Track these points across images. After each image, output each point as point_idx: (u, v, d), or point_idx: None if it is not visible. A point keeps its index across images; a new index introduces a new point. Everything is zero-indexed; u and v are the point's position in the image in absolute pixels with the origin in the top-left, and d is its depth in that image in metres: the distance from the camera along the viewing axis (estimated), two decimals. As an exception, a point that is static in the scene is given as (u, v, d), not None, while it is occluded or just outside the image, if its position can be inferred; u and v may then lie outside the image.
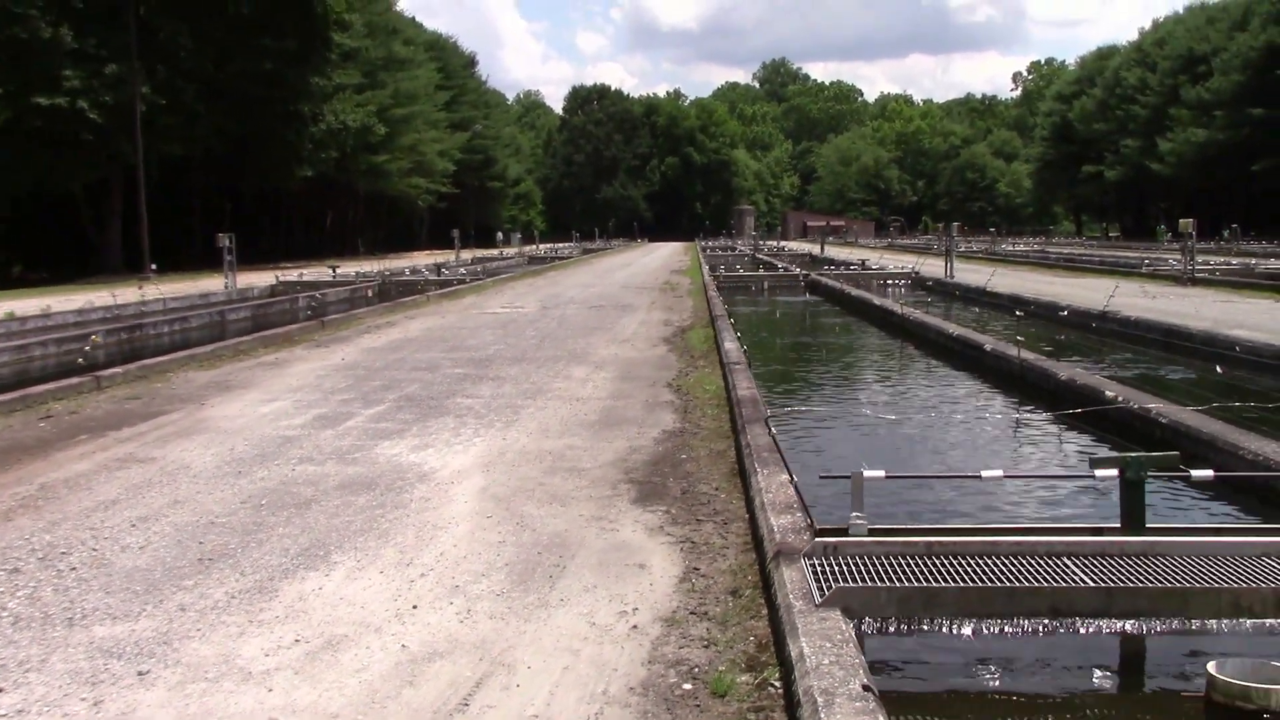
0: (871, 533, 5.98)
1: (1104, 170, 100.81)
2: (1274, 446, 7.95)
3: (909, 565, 5.31)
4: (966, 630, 4.91)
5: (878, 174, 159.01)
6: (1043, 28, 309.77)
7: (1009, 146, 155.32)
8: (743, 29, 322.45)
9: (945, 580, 5.06)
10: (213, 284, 33.86)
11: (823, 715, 3.71)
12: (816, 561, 5.38)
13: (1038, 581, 4.97)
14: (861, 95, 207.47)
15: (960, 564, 5.29)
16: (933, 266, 37.70)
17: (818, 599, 4.77)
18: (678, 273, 43.36)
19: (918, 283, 35.44)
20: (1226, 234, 67.38)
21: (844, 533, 6.04)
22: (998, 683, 4.85)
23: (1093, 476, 6.05)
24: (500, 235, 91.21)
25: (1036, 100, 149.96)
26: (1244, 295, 27.20)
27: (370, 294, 32.20)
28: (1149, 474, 5.69)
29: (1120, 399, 10.26)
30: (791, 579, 5.12)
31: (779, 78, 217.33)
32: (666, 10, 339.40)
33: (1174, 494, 8.25)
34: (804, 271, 38.09)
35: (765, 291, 35.68)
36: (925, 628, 4.94)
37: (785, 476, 7.14)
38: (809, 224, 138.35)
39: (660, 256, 67.69)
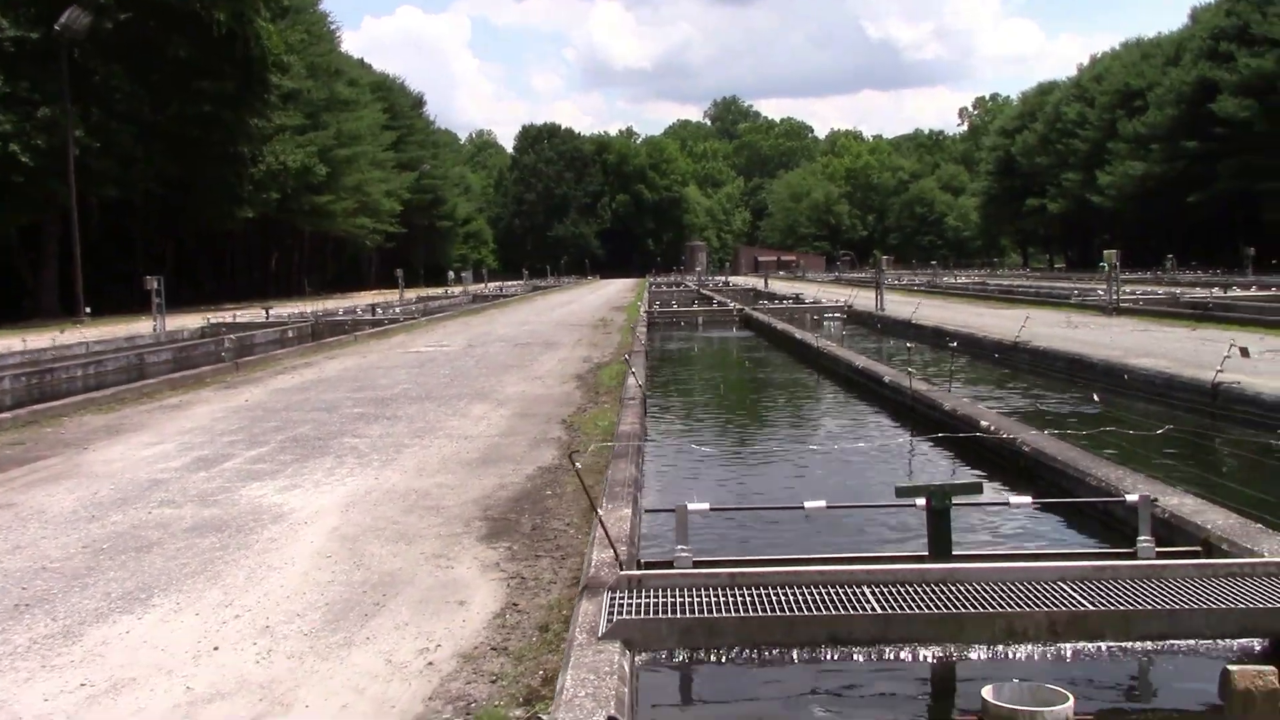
0: (697, 564, 6.01)
1: (1046, 203, 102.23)
2: (1118, 473, 8.06)
3: (711, 596, 5.32)
4: (748, 660, 4.93)
5: (828, 209, 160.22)
6: (992, 64, 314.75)
7: (956, 181, 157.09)
8: (696, 68, 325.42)
9: (743, 610, 5.08)
10: (143, 327, 33.52)
11: (561, 747, 3.72)
12: (620, 595, 5.38)
13: (826, 609, 5.00)
14: (812, 131, 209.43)
15: (761, 594, 5.32)
16: (870, 300, 38.01)
17: (601, 632, 4.78)
18: (617, 309, 43.43)
19: (852, 316, 35.70)
20: (1169, 263, 68.41)
21: (669, 565, 6.08)
22: (772, 713, 4.87)
23: (913, 505, 6.11)
24: (451, 274, 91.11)
25: (982, 135, 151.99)
26: (1162, 324, 27.60)
27: (295, 335, 32.01)
28: (953, 502, 5.75)
29: (992, 428, 10.38)
30: (587, 613, 5.13)
31: (730, 115, 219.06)
32: (620, 50, 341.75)
33: (1023, 518, 8.36)
34: (739, 307, 38.28)
35: (700, 327, 35.82)
36: (711, 659, 4.96)
37: (629, 511, 7.16)
38: (760, 259, 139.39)
39: (606, 293, 67.80)
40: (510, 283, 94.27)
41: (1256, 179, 70.15)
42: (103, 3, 45.00)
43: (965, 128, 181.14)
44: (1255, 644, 5.35)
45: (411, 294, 64.01)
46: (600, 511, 5.94)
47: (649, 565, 6.33)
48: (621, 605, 5.19)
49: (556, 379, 17.83)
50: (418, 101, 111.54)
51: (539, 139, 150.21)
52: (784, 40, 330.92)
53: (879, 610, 5.01)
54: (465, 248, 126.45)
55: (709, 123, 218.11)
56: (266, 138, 56.87)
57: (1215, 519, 6.66)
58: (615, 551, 5.77)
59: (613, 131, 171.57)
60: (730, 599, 5.25)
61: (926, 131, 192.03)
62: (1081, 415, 14.22)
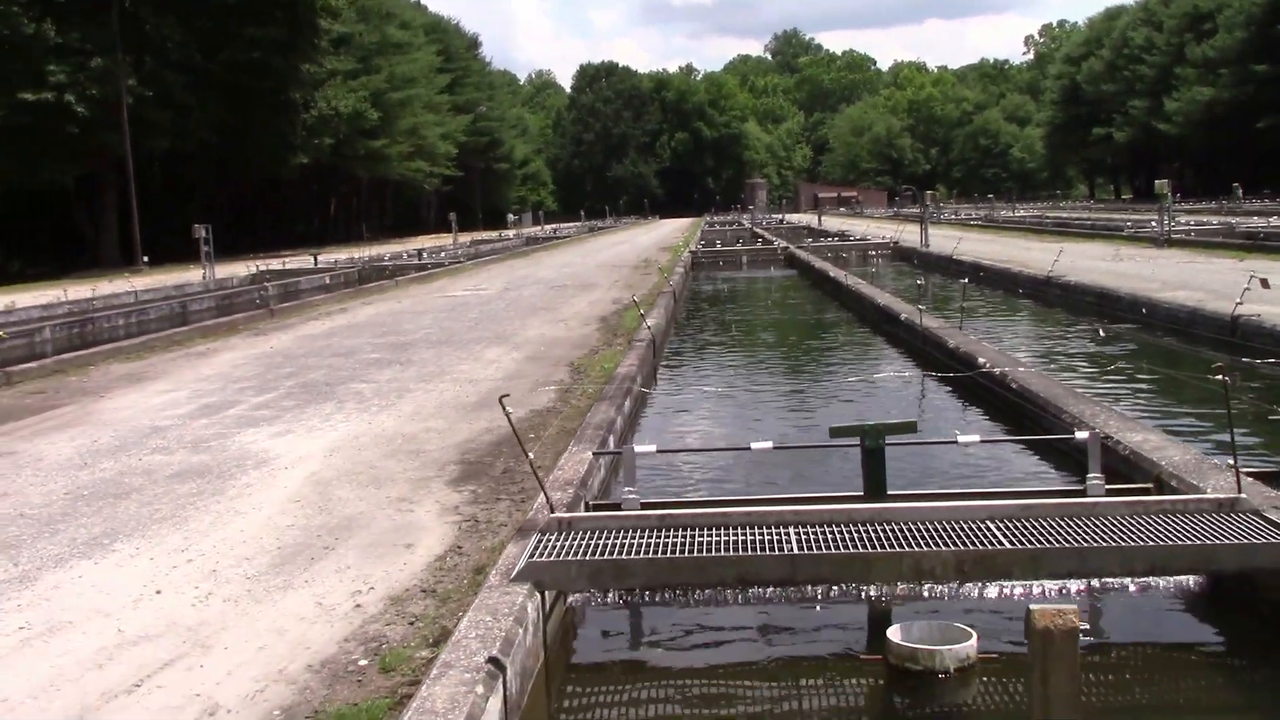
0: (645, 506, 6.08)
1: (1113, 132, 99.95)
2: (1092, 410, 7.99)
3: (637, 538, 5.38)
4: (656, 601, 5.01)
5: (890, 143, 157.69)
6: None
7: (1022, 111, 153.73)
8: (756, 1, 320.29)
9: (668, 552, 5.14)
10: (195, 276, 34.09)
11: (433, 685, 3.83)
12: (549, 537, 5.47)
13: (749, 550, 5.04)
14: (875, 64, 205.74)
15: (688, 535, 5.37)
16: (916, 234, 37.61)
17: (513, 574, 4.87)
18: (665, 249, 43.28)
19: (897, 252, 35.35)
20: (1236, 191, 66.71)
21: (617, 507, 6.16)
22: (677, 652, 4.94)
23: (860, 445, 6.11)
24: (511, 216, 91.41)
25: (1048, 63, 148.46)
26: (1212, 255, 27.01)
27: (341, 281, 32.34)
28: (887, 441, 5.75)
29: (987, 365, 10.29)
30: (509, 555, 5.23)
31: (791, 49, 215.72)
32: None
33: (1012, 456, 8.33)
34: (784, 245, 38.05)
35: (744, 266, 35.69)
36: (622, 600, 5.04)
37: (589, 455, 7.24)
38: (820, 195, 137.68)
39: (661, 234, 67.58)
40: (567, 224, 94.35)
41: (1329, 104, 68.02)
42: (151, -48, 45.40)
43: (1031, 56, 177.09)
44: (1189, 581, 5.33)
45: (465, 237, 64.22)
46: (531, 455, 6.00)
47: (598, 507, 6.41)
48: (547, 547, 5.28)
49: (580, 321, 17.90)
50: (473, 43, 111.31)
51: (596, 78, 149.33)
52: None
53: (797, 550, 5.04)
54: (524, 189, 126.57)
55: (769, 57, 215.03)
56: (318, 83, 57.18)
57: (1172, 455, 6.59)
58: (546, 495, 5.85)
59: (672, 69, 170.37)
60: (657, 540, 5.31)
61: (991, 61, 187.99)
62: (1094, 347, 14.06)
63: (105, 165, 47.69)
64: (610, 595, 5.24)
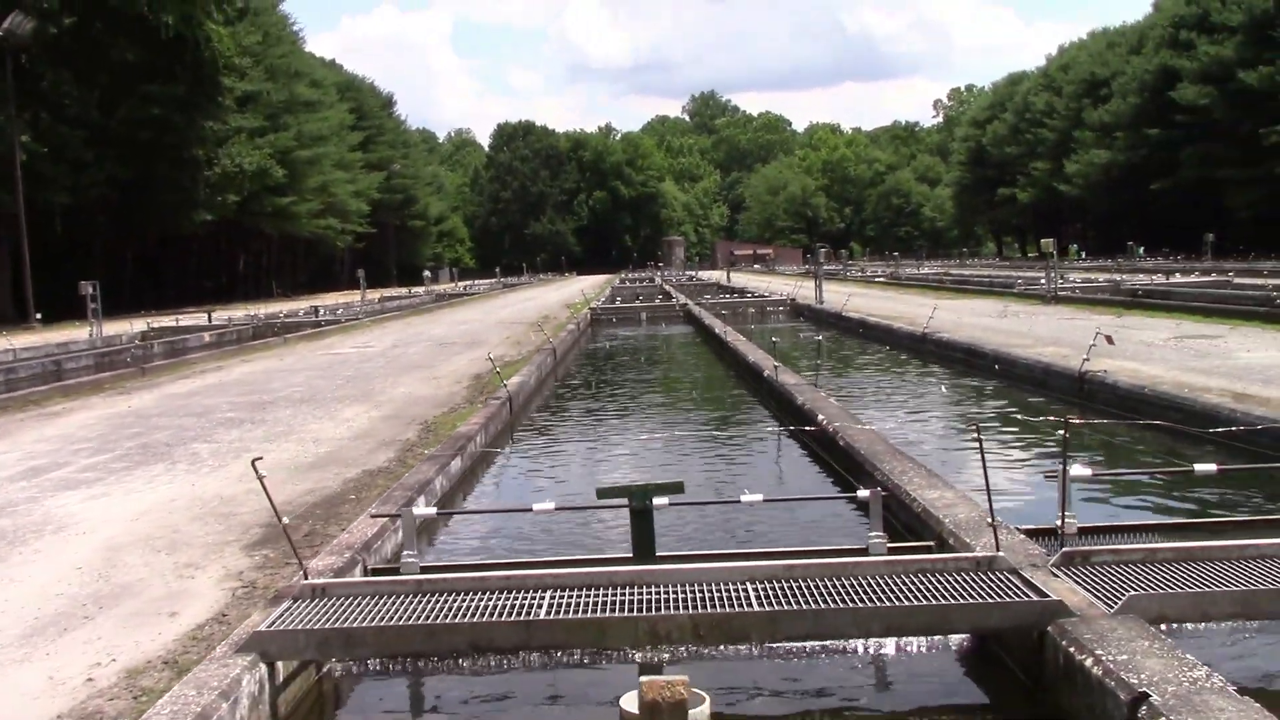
0: (425, 570, 5.94)
1: (1017, 193, 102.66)
2: (903, 466, 8.02)
3: (390, 605, 5.24)
4: (385, 671, 4.87)
5: (805, 202, 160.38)
6: (970, 54, 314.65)
7: (932, 172, 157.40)
8: (675, 63, 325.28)
9: (412, 619, 5.01)
10: (84, 333, 33.29)
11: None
12: (301, 604, 5.30)
13: (496, 617, 4.93)
14: (790, 125, 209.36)
15: (442, 600, 5.24)
16: (825, 291, 38.06)
17: (240, 645, 4.70)
18: (569, 306, 43.31)
19: (794, 309, 35.69)
20: (1130, 250, 68.62)
21: (397, 571, 6.02)
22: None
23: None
24: (426, 273, 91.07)
25: (955, 126, 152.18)
26: (1092, 312, 27.60)
27: (234, 338, 31.82)
28: (655, 502, 5.68)
29: (825, 422, 10.33)
30: (251, 623, 5.05)
31: (709, 110, 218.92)
32: (599, 47, 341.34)
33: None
34: (683, 302, 38.23)
35: (643, 323, 35.74)
36: (355, 670, 4.90)
37: (386, 519, 7.09)
38: (736, 253, 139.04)
39: (571, 290, 67.58)
40: (481, 281, 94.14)
41: (1217, 166, 70.35)
42: (46, 7, 44.77)
43: (940, 119, 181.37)
44: (950, 640, 5.31)
45: (374, 294, 63.73)
46: (285, 520, 5.84)
47: (378, 571, 6.26)
48: (289, 615, 5.11)
49: (452, 380, 17.73)
50: (387, 101, 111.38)
51: (514, 137, 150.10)
52: (763, 34, 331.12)
53: (545, 615, 4.93)
54: (439, 246, 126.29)
55: (687, 118, 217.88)
56: (221, 140, 56.64)
57: (959, 513, 6.61)
58: (299, 560, 5.69)
59: (592, 128, 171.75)
60: (407, 606, 5.17)
61: (903, 123, 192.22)
62: (942, 402, 14.24)
63: (1, 221, 46.70)
64: (393, 665, 5.08)
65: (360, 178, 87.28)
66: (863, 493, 6.27)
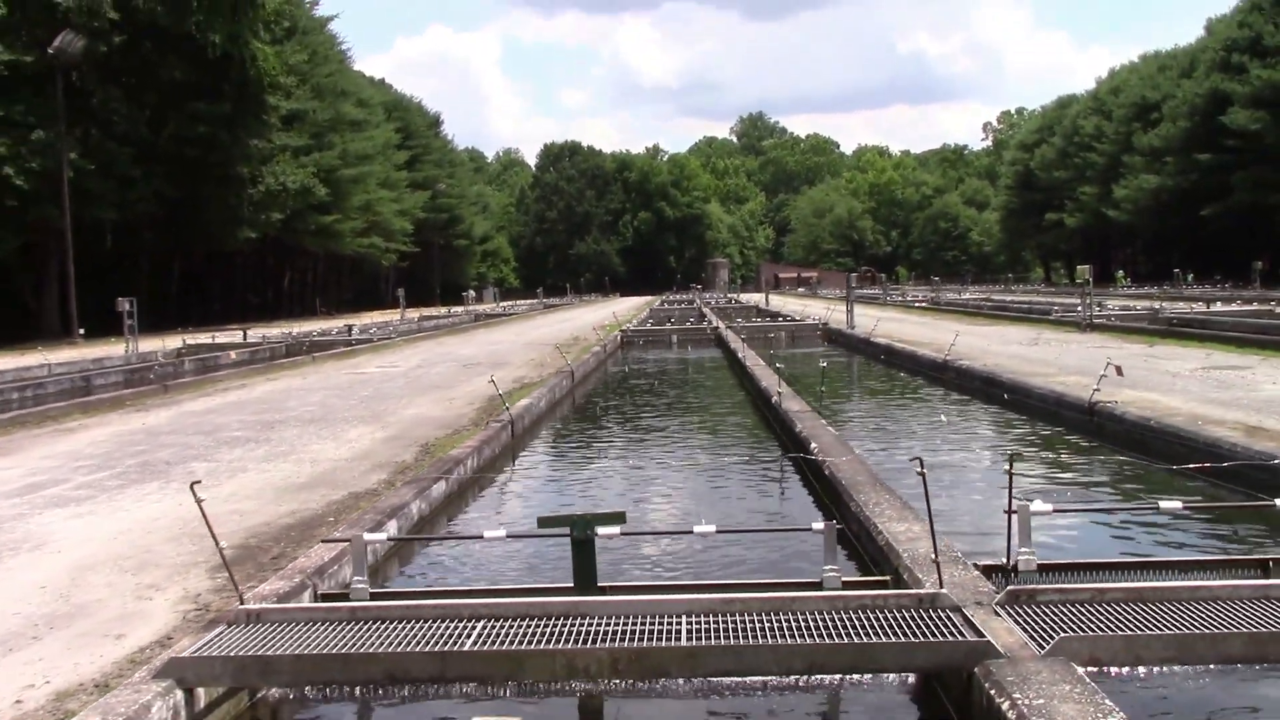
0: (375, 596, 5.91)
1: (1065, 218, 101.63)
2: (879, 497, 7.91)
3: (321, 632, 5.22)
4: (299, 700, 4.84)
5: (851, 225, 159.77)
6: (1022, 77, 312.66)
7: (980, 195, 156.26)
8: (724, 84, 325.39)
9: (333, 648, 4.98)
10: (121, 349, 33.76)
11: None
12: (234, 629, 5.29)
13: (410, 647, 4.89)
14: (838, 147, 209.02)
15: (372, 628, 5.21)
16: (860, 316, 37.87)
17: (156, 671, 4.70)
18: (602, 328, 43.31)
19: (826, 334, 35.51)
20: (1177, 277, 67.86)
21: (345, 597, 6.00)
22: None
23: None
24: (471, 292, 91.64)
25: (1004, 149, 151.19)
26: (1125, 340, 27.22)
27: (267, 355, 32.12)
28: (597, 532, 5.63)
29: (817, 450, 10.23)
30: (180, 647, 5.05)
31: (756, 131, 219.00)
32: (648, 67, 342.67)
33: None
34: (715, 325, 38.13)
35: (674, 346, 35.67)
36: (293, 696, 4.88)
37: (347, 542, 7.07)
38: (780, 275, 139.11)
39: (608, 311, 67.56)
40: (523, 301, 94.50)
41: (1269, 192, 69.26)
42: (97, 26, 45.61)
43: (989, 142, 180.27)
44: (893, 679, 5.20)
45: (414, 313, 64.26)
46: (222, 545, 5.83)
47: (327, 597, 6.24)
48: (217, 641, 5.10)
49: (466, 400, 17.75)
50: (434, 121, 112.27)
51: (560, 157, 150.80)
52: (813, 55, 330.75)
53: (468, 648, 4.89)
54: (483, 266, 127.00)
55: (734, 139, 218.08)
56: (266, 158, 57.33)
57: (919, 548, 6.50)
58: (235, 583, 5.69)
59: (640, 149, 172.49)
60: (335, 634, 5.15)
61: (951, 146, 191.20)
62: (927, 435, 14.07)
63: (47, 236, 47.52)
64: (334, 692, 5.05)
65: (405, 196, 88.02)
66: (817, 525, 6.18)
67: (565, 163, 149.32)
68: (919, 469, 5.38)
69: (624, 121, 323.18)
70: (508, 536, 6.16)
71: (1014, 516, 6.04)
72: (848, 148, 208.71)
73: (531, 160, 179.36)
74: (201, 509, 5.58)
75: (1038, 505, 6.17)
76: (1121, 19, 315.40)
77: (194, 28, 48.67)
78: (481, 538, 6.08)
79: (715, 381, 24.62)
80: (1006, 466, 5.69)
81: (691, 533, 6.17)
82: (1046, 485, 10.90)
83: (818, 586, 6.01)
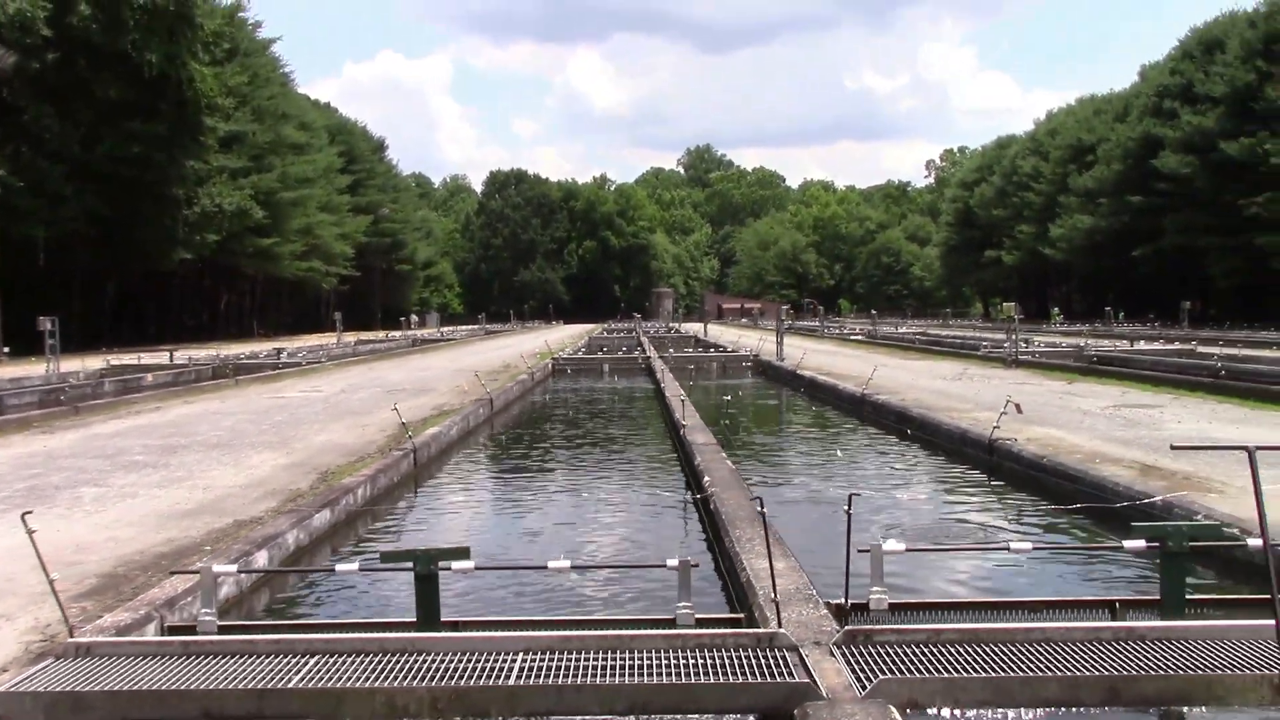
0: (223, 630, 5.82)
1: (1003, 255, 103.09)
2: (751, 532, 7.93)
3: (162, 667, 5.12)
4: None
5: (795, 258, 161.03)
6: (967, 117, 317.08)
7: (922, 231, 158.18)
8: (674, 116, 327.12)
9: (145, 685, 4.89)
10: (41, 369, 33.16)
11: None
12: (62, 662, 5.18)
13: (213, 684, 4.81)
14: (784, 181, 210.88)
15: (200, 663, 5.13)
16: (793, 348, 38.13)
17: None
18: (536, 355, 43.25)
19: (757, 365, 35.69)
20: (1108, 315, 68.94)
21: (193, 630, 5.90)
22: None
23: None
24: (414, 318, 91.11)
25: (945, 187, 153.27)
26: (1046, 377, 27.57)
27: (186, 378, 31.68)
28: (440, 567, 5.58)
29: (708, 484, 10.25)
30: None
31: (703, 163, 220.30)
32: (599, 97, 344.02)
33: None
34: (645, 355, 38.19)
35: (605, 374, 35.66)
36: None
37: (212, 573, 6.97)
38: (724, 306, 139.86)
39: (547, 339, 67.50)
40: (464, 327, 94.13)
41: (1199, 235, 70.67)
42: (30, 43, 45.08)
43: (932, 179, 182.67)
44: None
45: (352, 337, 63.71)
46: (54, 575, 5.72)
47: (174, 630, 6.13)
48: (39, 675, 4.99)
49: (380, 428, 17.58)
50: (379, 145, 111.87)
51: (506, 184, 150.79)
52: (762, 90, 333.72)
53: (294, 685, 4.82)
54: (426, 291, 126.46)
55: (681, 171, 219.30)
56: (202, 180, 56.78)
57: (784, 584, 6.50)
58: (65, 616, 5.58)
59: (589, 178, 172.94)
60: (164, 669, 5.06)
61: (895, 182, 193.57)
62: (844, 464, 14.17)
63: (-28, 253, 46.77)
64: None
65: (347, 220, 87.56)
66: (671, 561, 6.16)
67: (511, 190, 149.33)
68: (759, 508, 5.39)
69: (574, 150, 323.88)
70: (360, 570, 6.09)
71: (868, 555, 6.07)
72: (795, 182, 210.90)
73: (479, 187, 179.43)
74: (32, 539, 5.49)
75: (891, 544, 6.21)
76: (1061, 63, 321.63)
77: (130, 47, 48.32)
78: (334, 571, 6.00)
79: (639, 411, 24.64)
80: (846, 506, 5.71)
81: (545, 568, 6.14)
82: (930, 521, 10.99)
83: (671, 624, 6.01)
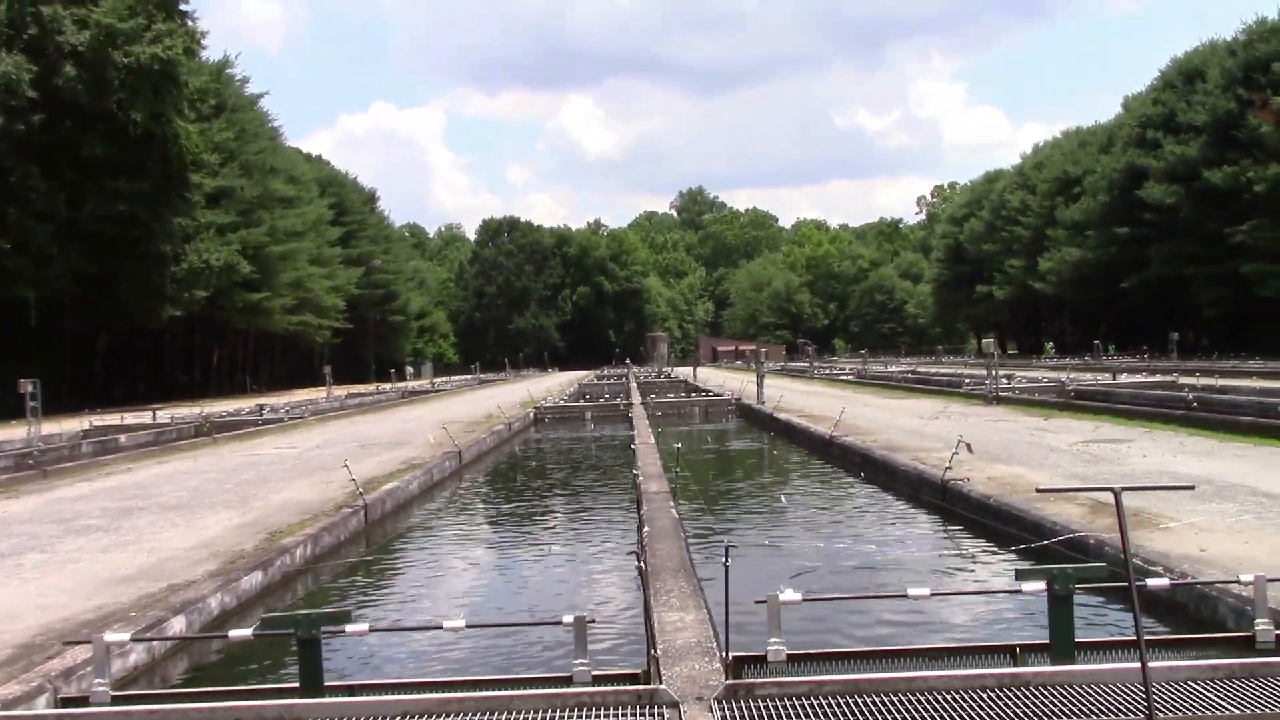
0: (130, 701, 5.79)
1: (994, 290, 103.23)
2: (680, 583, 7.90)
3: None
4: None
5: (789, 298, 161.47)
6: (959, 152, 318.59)
7: (915, 268, 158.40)
8: (666, 159, 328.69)
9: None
10: (21, 432, 33.17)
11: None
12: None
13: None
14: (777, 221, 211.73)
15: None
16: (778, 389, 38.24)
17: None
18: (524, 404, 43.27)
19: (739, 408, 35.72)
20: (1098, 348, 69.00)
21: (86, 701, 5.87)
22: None
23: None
24: (409, 369, 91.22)
25: (936, 223, 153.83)
26: (1024, 414, 27.60)
27: (175, 436, 31.68)
28: (322, 631, 5.57)
29: (646, 535, 10.23)
30: None
31: (696, 206, 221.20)
32: (591, 143, 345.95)
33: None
34: (628, 402, 38.20)
35: (587, 423, 35.65)
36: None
37: (120, 638, 6.94)
38: (718, 349, 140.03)
39: (539, 387, 67.63)
40: (458, 377, 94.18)
41: (1185, 264, 70.86)
42: (15, 105, 45.42)
43: (923, 216, 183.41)
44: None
45: (342, 390, 63.76)
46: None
47: (66, 701, 6.10)
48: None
49: (342, 484, 17.56)
50: (369, 197, 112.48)
51: (499, 232, 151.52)
52: (754, 130, 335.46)
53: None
54: (420, 341, 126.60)
55: (675, 214, 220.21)
56: (189, 236, 56.99)
57: (681, 639, 6.48)
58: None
59: (583, 224, 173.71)
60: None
61: (888, 220, 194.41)
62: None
63: (-40, 314, 46.88)
64: None
65: (338, 273, 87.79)
66: (566, 618, 6.14)
67: (504, 238, 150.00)
68: (637, 561, 5.38)
69: (568, 196, 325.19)
70: (254, 636, 6.06)
71: (764, 605, 6.05)
72: (788, 222, 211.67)
73: (473, 235, 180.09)
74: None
75: (788, 594, 6.19)
76: (1051, 96, 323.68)
77: (116, 106, 48.67)
78: (227, 636, 5.98)
79: (613, 460, 24.58)
80: (725, 560, 5.70)
81: (440, 628, 6.11)
82: (859, 565, 10.96)
83: (569, 682, 5.98)
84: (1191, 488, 5.68)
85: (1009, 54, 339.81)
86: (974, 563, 10.92)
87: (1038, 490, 5.89)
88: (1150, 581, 6.53)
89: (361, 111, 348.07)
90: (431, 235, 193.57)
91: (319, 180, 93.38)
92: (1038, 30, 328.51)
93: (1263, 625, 6.23)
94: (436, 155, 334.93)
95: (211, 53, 67.86)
